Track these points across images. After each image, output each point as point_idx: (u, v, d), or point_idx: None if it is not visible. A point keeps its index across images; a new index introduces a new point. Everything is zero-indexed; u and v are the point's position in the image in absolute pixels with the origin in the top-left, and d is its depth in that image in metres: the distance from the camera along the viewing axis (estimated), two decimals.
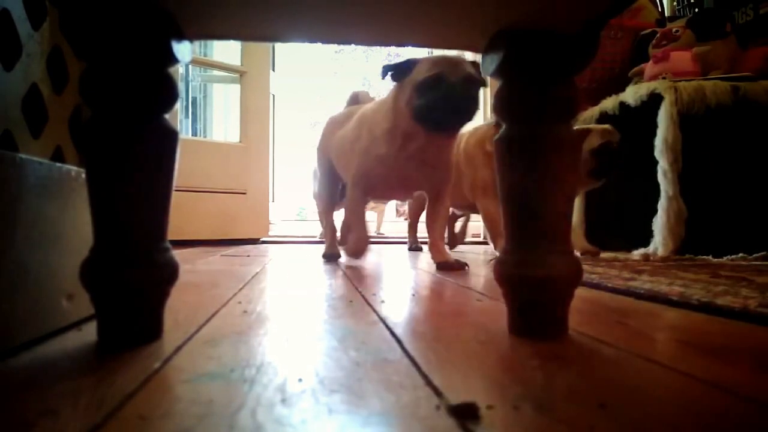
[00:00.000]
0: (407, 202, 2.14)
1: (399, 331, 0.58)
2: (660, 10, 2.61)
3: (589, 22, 0.53)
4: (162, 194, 0.52)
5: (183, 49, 0.54)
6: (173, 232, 0.54)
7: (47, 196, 0.53)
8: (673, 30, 2.13)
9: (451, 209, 2.08)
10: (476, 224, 3.30)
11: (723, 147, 1.77)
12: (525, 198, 0.56)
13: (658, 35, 2.20)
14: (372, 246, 2.62)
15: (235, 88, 3.02)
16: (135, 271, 0.50)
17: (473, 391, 0.38)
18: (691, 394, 0.38)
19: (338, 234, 2.03)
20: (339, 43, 0.64)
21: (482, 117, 2.88)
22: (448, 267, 1.34)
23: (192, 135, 3.82)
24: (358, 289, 0.95)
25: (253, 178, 2.83)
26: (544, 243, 0.55)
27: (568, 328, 0.57)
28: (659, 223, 1.79)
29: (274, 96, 3.25)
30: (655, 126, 1.84)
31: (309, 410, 0.34)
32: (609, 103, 2.17)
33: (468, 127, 1.53)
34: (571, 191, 0.57)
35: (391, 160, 1.37)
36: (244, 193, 2.79)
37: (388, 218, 4.77)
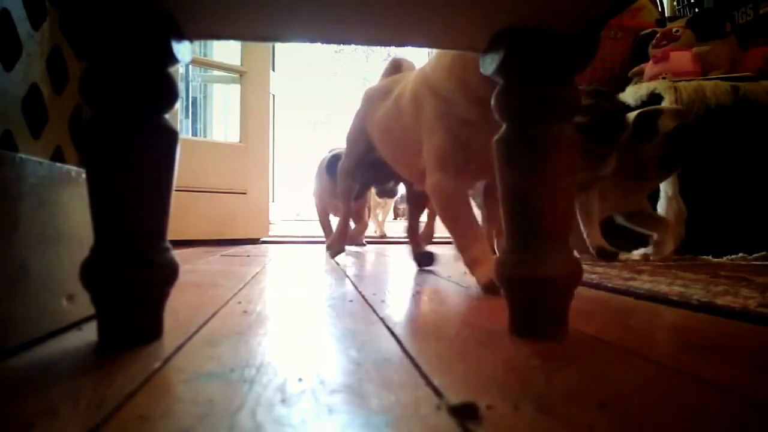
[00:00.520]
0: (404, 200, 1.97)
1: (399, 331, 0.58)
2: (660, 10, 2.61)
3: (589, 22, 0.53)
4: (162, 194, 0.52)
5: (183, 49, 0.54)
6: (173, 232, 0.54)
7: (47, 196, 0.53)
8: (673, 30, 2.12)
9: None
10: None
11: (723, 147, 1.77)
12: (525, 198, 0.56)
13: (658, 35, 2.20)
14: (372, 246, 2.63)
15: (235, 88, 3.02)
16: (135, 271, 0.50)
17: (473, 391, 0.38)
18: (691, 394, 0.38)
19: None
20: (339, 43, 0.64)
21: None
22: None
23: (192, 135, 3.82)
24: (358, 289, 0.95)
25: (253, 178, 2.83)
26: (544, 243, 0.55)
27: (568, 328, 0.57)
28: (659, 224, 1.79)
29: (274, 96, 3.25)
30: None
31: (309, 410, 0.34)
32: None
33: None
34: (571, 191, 0.57)
35: (479, 126, 0.96)
36: (244, 193, 2.79)
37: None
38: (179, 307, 0.70)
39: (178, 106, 2.13)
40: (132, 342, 0.50)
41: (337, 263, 1.56)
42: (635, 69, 2.30)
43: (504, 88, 0.57)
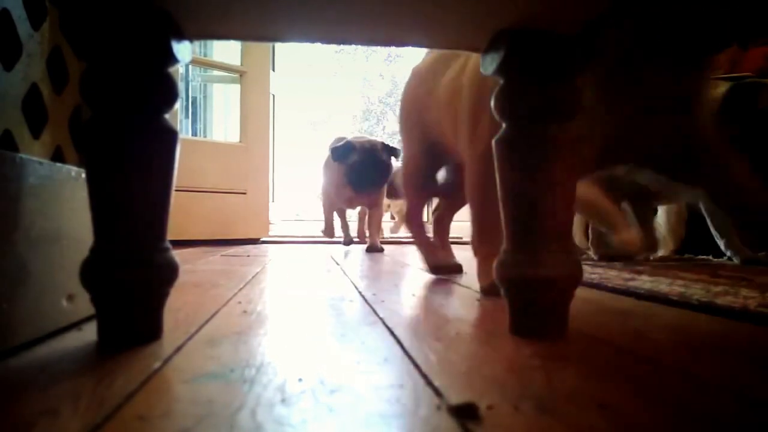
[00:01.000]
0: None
1: (399, 331, 0.58)
2: None
3: (589, 22, 0.53)
4: (162, 194, 0.52)
5: (183, 49, 0.54)
6: (173, 232, 0.54)
7: (47, 196, 0.53)
8: None
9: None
10: None
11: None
12: (525, 198, 0.56)
13: None
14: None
15: (235, 88, 3.02)
16: (135, 271, 0.50)
17: (473, 391, 0.38)
18: (691, 393, 0.38)
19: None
20: (339, 43, 0.64)
21: None
22: None
23: (192, 135, 3.82)
24: (358, 289, 0.95)
25: (253, 178, 2.83)
26: (544, 243, 0.55)
27: (568, 328, 0.57)
28: (659, 223, 1.79)
29: (274, 96, 3.25)
30: None
31: (309, 410, 0.34)
32: None
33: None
34: (571, 191, 0.57)
35: None
36: (244, 193, 2.79)
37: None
38: (179, 307, 0.70)
39: (178, 106, 2.12)
40: (132, 342, 0.50)
41: (337, 263, 1.56)
42: None
43: (504, 88, 0.57)
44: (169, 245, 0.53)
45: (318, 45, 0.65)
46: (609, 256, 1.61)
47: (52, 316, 0.54)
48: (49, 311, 0.53)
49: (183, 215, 2.39)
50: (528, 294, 0.56)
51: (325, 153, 2.51)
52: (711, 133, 0.97)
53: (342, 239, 2.63)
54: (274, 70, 3.24)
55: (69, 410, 0.33)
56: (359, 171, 2.24)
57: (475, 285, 1.01)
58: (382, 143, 2.31)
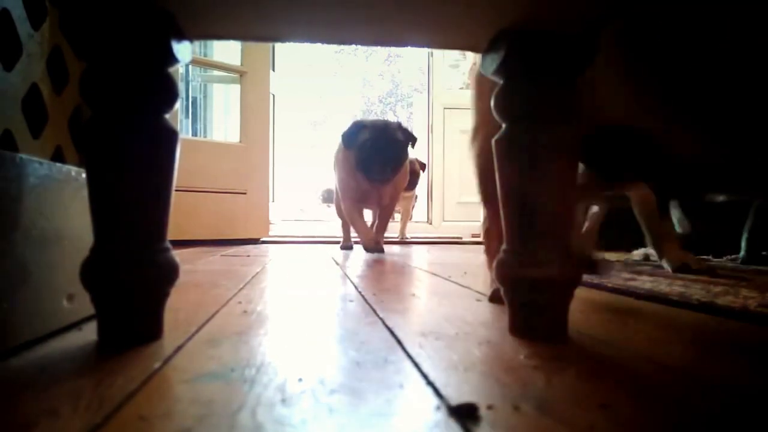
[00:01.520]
0: None
1: (399, 331, 0.58)
2: None
3: (589, 22, 0.53)
4: (162, 194, 0.52)
5: (183, 49, 0.54)
6: (173, 232, 0.54)
7: (47, 196, 0.53)
8: None
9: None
10: (476, 224, 3.30)
11: None
12: (525, 198, 0.56)
13: None
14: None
15: (235, 88, 3.02)
16: (135, 271, 0.50)
17: (473, 391, 0.38)
18: (692, 393, 0.38)
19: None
20: (339, 43, 0.64)
21: None
22: None
23: (192, 135, 3.82)
24: (358, 289, 0.95)
25: (253, 178, 2.83)
26: (544, 243, 0.55)
27: (568, 329, 0.57)
28: None
29: (274, 96, 3.25)
30: None
31: (309, 410, 0.34)
32: None
33: None
34: (571, 191, 0.57)
35: None
36: (244, 193, 2.79)
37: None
38: (179, 307, 0.70)
39: (178, 106, 2.11)
40: (132, 342, 0.50)
41: (337, 263, 1.56)
42: None
43: (504, 88, 0.57)
44: (169, 245, 0.54)
45: (318, 45, 0.65)
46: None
47: (52, 316, 0.54)
48: (49, 311, 0.53)
49: (183, 215, 2.39)
50: (528, 294, 0.56)
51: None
52: None
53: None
54: (274, 70, 3.24)
55: (69, 410, 0.33)
56: (371, 152, 1.86)
57: (475, 285, 1.01)
58: (398, 123, 1.99)
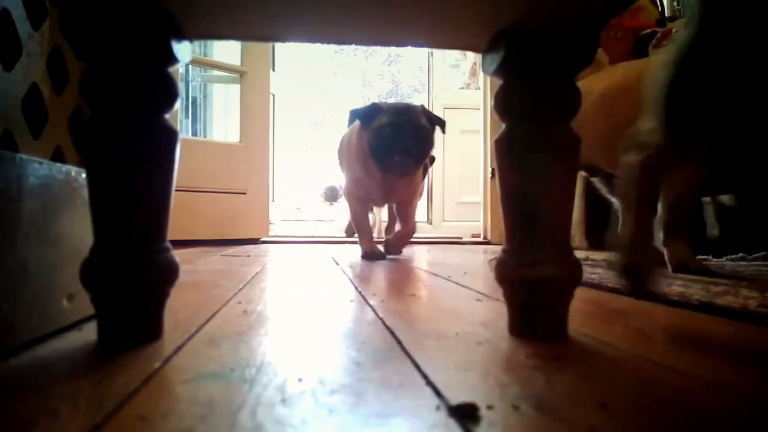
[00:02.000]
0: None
1: (399, 331, 0.58)
2: (660, 10, 2.61)
3: (589, 22, 0.53)
4: (162, 194, 0.52)
5: (183, 49, 0.54)
6: (173, 232, 0.54)
7: (47, 196, 0.53)
8: (674, 30, 2.12)
9: None
10: (476, 224, 3.30)
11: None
12: (525, 198, 0.56)
13: (658, 35, 2.20)
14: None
15: (235, 88, 3.02)
16: (135, 271, 0.50)
17: (473, 391, 0.38)
18: (692, 394, 0.38)
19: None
20: (339, 43, 0.64)
21: None
22: None
23: (192, 135, 3.82)
24: (358, 289, 0.95)
25: (253, 178, 2.83)
26: (544, 243, 0.55)
27: (568, 328, 0.57)
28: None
29: (274, 96, 3.25)
30: None
31: (309, 410, 0.34)
32: None
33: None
34: (571, 191, 0.57)
35: None
36: (244, 193, 2.79)
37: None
38: (179, 307, 0.70)
39: (178, 106, 2.11)
40: (132, 342, 0.50)
41: (337, 263, 1.56)
42: None
43: (504, 88, 0.57)
44: (169, 245, 0.54)
45: (318, 45, 0.65)
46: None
47: (52, 316, 0.54)
48: (49, 311, 0.53)
49: (183, 215, 2.39)
50: (528, 294, 0.56)
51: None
52: None
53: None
54: (274, 70, 3.24)
55: (69, 410, 0.33)
56: (389, 138, 1.53)
57: (475, 285, 1.01)
58: (421, 106, 1.66)
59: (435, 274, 1.25)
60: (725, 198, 1.42)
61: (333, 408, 0.34)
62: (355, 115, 1.64)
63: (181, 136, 0.56)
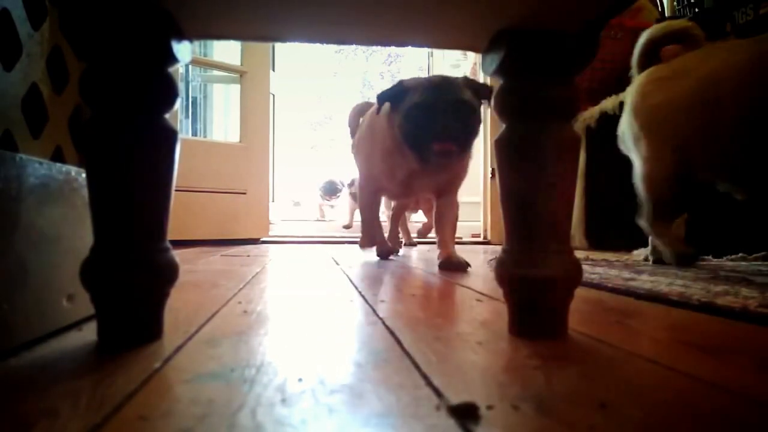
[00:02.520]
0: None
1: (399, 331, 0.58)
2: (660, 10, 2.61)
3: (589, 22, 0.53)
4: (162, 194, 0.52)
5: (183, 49, 0.54)
6: (173, 232, 0.54)
7: (47, 196, 0.53)
8: None
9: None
10: (476, 224, 3.30)
11: None
12: (525, 198, 0.56)
13: None
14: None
15: (235, 88, 3.02)
16: (135, 271, 0.50)
17: (473, 391, 0.38)
18: (692, 394, 0.38)
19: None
20: (339, 43, 0.64)
21: None
22: None
23: (192, 135, 3.82)
24: (358, 289, 0.95)
25: (253, 178, 2.83)
26: (544, 243, 0.55)
27: (568, 328, 0.57)
28: None
29: (274, 96, 3.26)
30: None
31: (309, 410, 0.34)
32: (609, 103, 2.17)
33: None
34: (571, 191, 0.57)
35: None
36: (244, 193, 2.79)
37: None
38: (179, 307, 0.70)
39: (178, 106, 2.10)
40: (132, 342, 0.50)
41: (337, 263, 1.56)
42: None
43: (504, 88, 0.57)
44: (169, 245, 0.54)
45: (318, 45, 0.65)
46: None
47: (52, 316, 0.54)
48: (49, 311, 0.53)
49: (183, 215, 2.39)
50: (528, 294, 0.56)
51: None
52: None
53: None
54: (274, 70, 3.24)
55: (69, 410, 0.33)
56: (426, 119, 1.26)
57: (475, 285, 1.01)
58: (464, 77, 1.35)
59: (435, 274, 1.25)
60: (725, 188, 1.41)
61: (333, 408, 0.34)
62: (383, 98, 1.37)
63: (181, 136, 0.56)
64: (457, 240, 1.68)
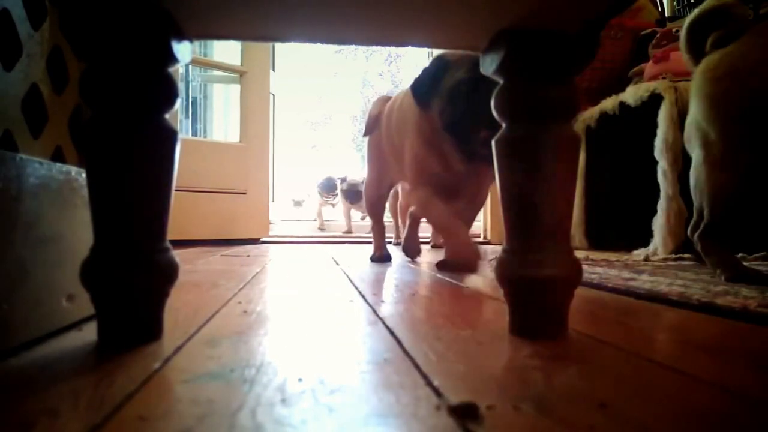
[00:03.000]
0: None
1: (399, 331, 0.58)
2: (660, 10, 2.61)
3: (589, 22, 0.53)
4: (162, 194, 0.52)
5: (183, 49, 0.54)
6: (173, 232, 0.54)
7: (47, 196, 0.53)
8: (673, 30, 2.13)
9: None
10: (476, 224, 3.30)
11: None
12: (525, 198, 0.56)
13: (658, 35, 2.20)
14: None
15: (235, 88, 3.03)
16: (135, 271, 0.50)
17: (473, 391, 0.38)
18: (692, 393, 0.38)
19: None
20: (339, 43, 0.64)
21: None
22: None
23: (192, 135, 3.82)
24: (358, 289, 0.95)
25: (253, 178, 2.83)
26: (544, 243, 0.55)
27: (568, 328, 0.57)
28: (659, 224, 1.79)
29: (274, 96, 3.26)
30: (655, 126, 1.84)
31: (309, 410, 0.34)
32: (609, 103, 2.17)
33: None
34: (571, 191, 0.57)
35: None
36: (244, 193, 2.79)
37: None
38: (179, 307, 0.70)
39: (178, 106, 2.09)
40: (132, 342, 0.50)
41: (337, 263, 1.56)
42: (635, 69, 2.30)
43: (504, 88, 0.57)
44: (169, 245, 0.54)
45: (318, 45, 0.65)
46: None
47: (52, 316, 0.54)
48: (49, 311, 0.53)
49: (183, 215, 2.39)
50: (528, 294, 0.56)
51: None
52: None
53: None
54: (274, 70, 3.24)
55: (69, 410, 0.33)
56: (472, 103, 1.02)
57: (475, 285, 1.01)
58: None
59: (435, 274, 1.25)
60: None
61: (333, 408, 0.34)
62: (425, 76, 1.12)
63: (181, 136, 0.56)
64: None
